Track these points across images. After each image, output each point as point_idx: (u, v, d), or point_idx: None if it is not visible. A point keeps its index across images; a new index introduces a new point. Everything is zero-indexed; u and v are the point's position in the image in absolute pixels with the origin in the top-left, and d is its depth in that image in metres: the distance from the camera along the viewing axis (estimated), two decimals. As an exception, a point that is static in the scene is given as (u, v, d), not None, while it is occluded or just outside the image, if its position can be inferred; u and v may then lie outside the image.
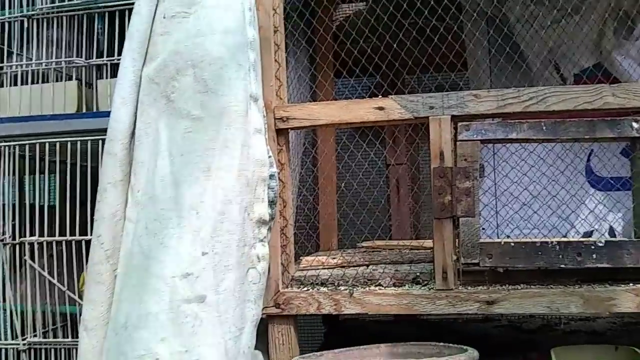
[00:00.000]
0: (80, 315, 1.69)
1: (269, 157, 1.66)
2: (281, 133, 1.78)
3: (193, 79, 1.58)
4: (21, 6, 2.35)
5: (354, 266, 1.88)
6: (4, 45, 2.40)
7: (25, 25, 2.34)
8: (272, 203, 1.64)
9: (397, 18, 2.06)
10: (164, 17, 1.65)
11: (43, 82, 2.33)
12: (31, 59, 2.33)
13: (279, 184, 1.71)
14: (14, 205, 2.25)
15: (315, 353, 1.69)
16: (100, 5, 2.30)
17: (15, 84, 2.33)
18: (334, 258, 1.93)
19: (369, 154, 2.36)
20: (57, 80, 2.32)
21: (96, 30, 2.31)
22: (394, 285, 1.72)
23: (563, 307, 1.59)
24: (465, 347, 1.53)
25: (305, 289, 1.75)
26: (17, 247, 2.19)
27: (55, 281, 2.16)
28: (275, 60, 1.78)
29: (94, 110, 2.26)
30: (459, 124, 1.68)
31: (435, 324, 2.50)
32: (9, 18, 2.37)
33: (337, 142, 2.62)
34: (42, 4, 2.32)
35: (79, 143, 2.10)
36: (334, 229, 2.48)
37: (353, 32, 2.13)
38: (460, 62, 2.46)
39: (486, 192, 2.03)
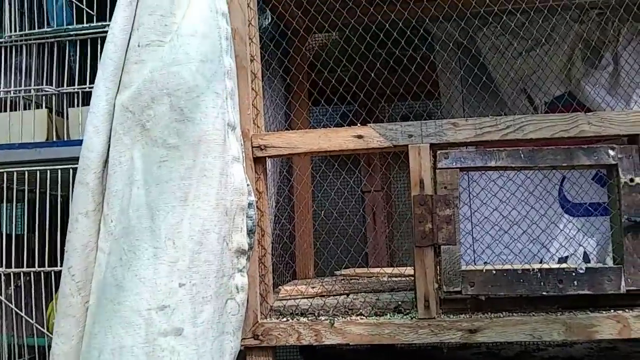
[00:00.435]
0: (49, 348, 1.62)
1: (247, 185, 1.63)
2: (259, 161, 1.76)
3: (169, 108, 1.55)
4: (-10, 34, 2.31)
5: (334, 295, 1.85)
6: (-28, 73, 2.35)
7: (-6, 53, 2.29)
8: (250, 232, 1.61)
9: (373, 47, 2.08)
10: (139, 46, 1.62)
11: (12, 110, 2.27)
12: (0, 87, 2.28)
13: (257, 213, 1.69)
14: (-21, 234, 2.16)
15: (295, 386, 1.65)
16: (71, 33, 2.26)
17: (-16, 112, 2.27)
18: (314, 287, 1.90)
19: (347, 182, 2.36)
20: (26, 109, 2.26)
21: (68, 57, 2.27)
22: (376, 314, 1.69)
23: (545, 334, 1.58)
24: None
25: (285, 319, 1.71)
26: (-17, 277, 2.11)
27: (22, 313, 2.08)
28: (252, 89, 1.77)
29: (65, 138, 2.20)
30: (438, 152, 1.69)
31: (413, 352, 2.47)
32: (-22, 46, 2.31)
33: (315, 169, 2.61)
34: (11, 32, 2.28)
35: (48, 172, 2.04)
36: (312, 256, 2.45)
37: (330, 60, 2.14)
38: (437, 90, 2.49)
39: (463, 219, 2.03)
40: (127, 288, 1.40)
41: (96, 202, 1.56)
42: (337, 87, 2.01)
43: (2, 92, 2.28)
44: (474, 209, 1.94)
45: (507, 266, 1.66)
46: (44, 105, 2.27)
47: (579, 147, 1.67)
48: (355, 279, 2.11)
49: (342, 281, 2.01)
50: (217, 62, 1.60)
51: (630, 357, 2.25)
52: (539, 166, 1.70)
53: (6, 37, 2.28)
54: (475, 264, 1.91)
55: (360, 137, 1.71)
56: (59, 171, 2.03)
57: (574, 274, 1.61)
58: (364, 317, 1.69)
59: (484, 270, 1.63)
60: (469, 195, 2.03)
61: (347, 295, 1.85)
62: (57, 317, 1.53)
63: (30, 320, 2.07)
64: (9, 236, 2.13)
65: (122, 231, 1.48)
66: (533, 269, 1.62)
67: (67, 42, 2.30)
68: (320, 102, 2.08)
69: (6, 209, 2.14)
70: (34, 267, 2.07)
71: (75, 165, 1.64)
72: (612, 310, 1.61)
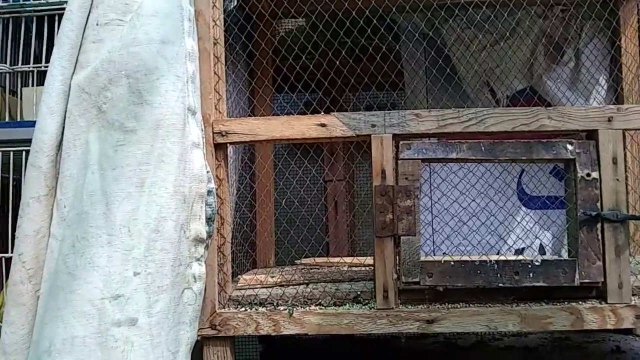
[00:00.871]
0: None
1: (207, 172, 1.60)
2: (220, 148, 1.73)
3: (127, 90, 1.50)
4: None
5: (293, 285, 1.84)
6: None
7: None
8: (209, 220, 1.58)
9: (339, 35, 2.06)
10: (97, 24, 1.57)
11: (-38, 88, 2.19)
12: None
13: (217, 201, 1.66)
14: None
15: (253, 376, 1.64)
16: (27, 9, 2.18)
17: None
18: (273, 276, 1.89)
19: (309, 171, 2.34)
20: (-23, 87, 2.18)
21: (24, 34, 2.19)
22: (335, 304, 1.69)
23: (501, 325, 1.60)
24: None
25: (243, 309, 1.69)
26: None
27: (-30, 302, 2.01)
28: (215, 73, 1.73)
29: (18, 119, 2.13)
30: (401, 142, 1.69)
31: (373, 341, 2.48)
32: None
33: (278, 157, 2.59)
34: (-36, 6, 2.19)
35: (0, 154, 1.97)
36: (272, 245, 2.43)
37: (295, 47, 2.11)
38: (402, 81, 2.49)
39: (423, 210, 2.04)
40: (79, 276, 1.36)
41: (49, 186, 1.51)
42: (301, 74, 1.99)
43: (-48, 70, 2.19)
44: (435, 200, 1.94)
45: (465, 257, 1.67)
46: (-4, 84, 2.19)
47: (538, 141, 1.69)
48: (315, 268, 2.10)
49: (302, 270, 2.00)
50: (179, 44, 1.56)
51: (582, 347, 2.31)
52: (499, 159, 1.71)
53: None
54: (434, 255, 1.92)
55: (323, 125, 1.69)
56: (11, 153, 1.97)
57: (529, 266, 1.63)
58: (323, 307, 1.68)
59: (443, 261, 1.65)
60: (430, 187, 2.04)
61: (307, 285, 1.84)
62: (7, 306, 1.47)
63: (-21, 308, 2.00)
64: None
65: (75, 217, 1.43)
66: (490, 261, 1.64)
67: (24, 18, 2.22)
68: (284, 89, 2.06)
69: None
70: (-17, 252, 2.00)
71: (29, 148, 1.58)
72: (566, 302, 1.64)
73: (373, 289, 1.67)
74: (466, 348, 2.39)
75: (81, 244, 1.38)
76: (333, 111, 1.72)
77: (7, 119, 2.14)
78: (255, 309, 1.69)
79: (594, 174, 1.66)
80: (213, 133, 1.70)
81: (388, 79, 2.04)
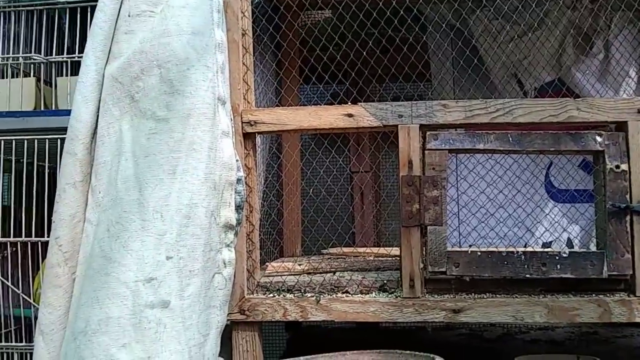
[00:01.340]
0: (35, 319, 1.62)
1: (237, 161, 1.63)
2: (248, 137, 1.75)
3: (159, 79, 1.54)
4: (-23, 0, 2.27)
5: (320, 273, 1.86)
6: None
7: (-19, 20, 2.25)
8: (238, 208, 1.61)
9: (366, 26, 2.07)
10: (129, 15, 1.60)
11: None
12: (-13, 54, 2.25)
13: (246, 189, 1.69)
14: (-35, 204, 2.15)
15: (281, 361, 1.67)
16: (61, 0, 2.23)
17: (-29, 80, 2.24)
18: (301, 264, 1.91)
19: (337, 161, 2.36)
20: (14, 77, 2.23)
21: (62, 26, 2.24)
22: (361, 292, 1.71)
23: (528, 316, 1.60)
24: (432, 355, 1.53)
25: (271, 295, 1.72)
26: (-31, 247, 2.10)
27: (9, 283, 2.07)
28: (243, 64, 1.76)
29: (53, 108, 2.18)
30: (428, 133, 1.69)
31: (397, 332, 2.50)
32: (-35, 12, 2.28)
33: (305, 147, 2.61)
34: (-1, -1, 2.24)
35: (36, 141, 2.02)
36: (299, 234, 2.45)
37: (322, 38, 2.12)
38: (429, 72, 2.49)
39: (450, 201, 2.04)
40: (114, 259, 1.40)
41: (84, 172, 1.55)
42: (328, 65, 2.00)
43: (-10, 59, 2.25)
44: (461, 191, 1.94)
45: (492, 248, 1.67)
46: (32, 73, 2.24)
47: (567, 133, 1.68)
48: (342, 257, 2.12)
49: (329, 259, 2.03)
50: (209, 35, 1.58)
51: (610, 342, 2.30)
52: (527, 150, 1.71)
53: (-5, 5, 2.25)
54: (460, 246, 1.93)
55: (350, 115, 1.71)
56: (47, 141, 2.02)
57: (557, 257, 1.63)
58: (350, 295, 1.70)
59: (469, 252, 1.65)
60: (457, 177, 2.04)
61: (334, 273, 1.86)
62: (44, 288, 1.52)
63: (17, 290, 2.06)
64: (-5, 207, 2.12)
65: (109, 202, 1.47)
66: (517, 252, 1.64)
67: (57, 9, 2.27)
68: (312, 80, 2.07)
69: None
70: (21, 237, 2.06)
71: (63, 136, 1.62)
72: (593, 295, 1.63)
73: (399, 278, 1.68)
74: (492, 340, 2.39)
75: (115, 229, 1.42)
76: (361, 102, 1.73)
77: (42, 108, 2.19)
78: (283, 296, 1.71)
79: (623, 166, 1.65)
80: (242, 123, 1.73)
81: (415, 70, 2.04)
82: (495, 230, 1.95)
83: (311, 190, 2.23)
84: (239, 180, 1.62)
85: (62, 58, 2.24)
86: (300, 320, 1.68)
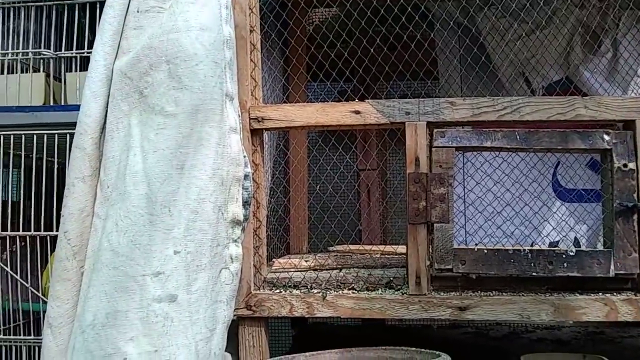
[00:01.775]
0: (43, 313, 1.63)
1: (244, 157, 1.63)
2: (256, 133, 1.76)
3: (167, 75, 1.54)
4: (-14, -4, 2.28)
5: (327, 269, 1.86)
6: (-32, 35, 2.33)
7: (-9, 15, 2.27)
8: (246, 204, 1.62)
9: (373, 24, 2.07)
10: (138, 11, 1.61)
11: (9, 73, 2.26)
12: (-4, 49, 2.26)
13: (253, 185, 1.69)
14: (-25, 198, 2.17)
15: (287, 356, 1.67)
16: (70, -4, 2.25)
17: (-20, 75, 2.25)
18: (307, 261, 1.92)
19: (344, 158, 2.36)
20: (23, 72, 2.25)
21: (66, 21, 2.25)
22: (367, 289, 1.71)
23: (534, 314, 1.60)
24: (438, 353, 1.53)
25: (278, 291, 1.73)
26: (-21, 241, 2.12)
27: (17, 277, 2.09)
28: (251, 60, 1.76)
29: (62, 103, 2.20)
30: (435, 130, 1.69)
31: (403, 330, 2.50)
32: (-25, 8, 2.29)
33: (312, 144, 2.61)
34: (8, -6, 2.26)
35: (45, 136, 2.04)
36: (306, 231, 2.46)
37: (330, 35, 2.13)
38: (436, 70, 2.49)
39: (457, 199, 2.04)
40: (122, 253, 1.41)
41: (93, 167, 1.56)
42: (336, 62, 2.00)
43: (-1, 55, 2.26)
44: (468, 189, 1.94)
45: (499, 246, 1.67)
46: (41, 69, 2.25)
47: (574, 131, 1.68)
48: (348, 254, 2.12)
49: (336, 256, 2.03)
50: (217, 31, 1.59)
51: (617, 341, 2.29)
52: (534, 148, 1.71)
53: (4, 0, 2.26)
54: (467, 244, 1.93)
55: (357, 112, 1.71)
56: (56, 136, 2.03)
57: (564, 256, 1.63)
58: (356, 292, 1.70)
59: (476, 249, 1.65)
60: (463, 175, 2.04)
61: (340, 269, 1.87)
62: (52, 281, 1.54)
63: (26, 284, 2.08)
64: (4, 202, 2.13)
65: (118, 197, 1.48)
66: (524, 250, 1.64)
67: (66, 5, 2.29)
68: (319, 77, 2.07)
69: (2, 174, 2.13)
70: (30, 231, 2.08)
71: (73, 131, 1.63)
72: (600, 293, 1.63)
73: (405, 275, 1.68)
74: (498, 339, 2.39)
75: (124, 223, 1.43)
76: (368, 99, 1.73)
77: (51, 103, 2.21)
78: (290, 292, 1.72)
79: (631, 165, 1.65)
80: (249, 119, 1.73)
81: (422, 68, 2.04)
82: (502, 229, 1.94)
83: (318, 187, 2.24)
84: (246, 176, 1.62)
85: (71, 53, 2.25)
86: (307, 316, 1.69)
